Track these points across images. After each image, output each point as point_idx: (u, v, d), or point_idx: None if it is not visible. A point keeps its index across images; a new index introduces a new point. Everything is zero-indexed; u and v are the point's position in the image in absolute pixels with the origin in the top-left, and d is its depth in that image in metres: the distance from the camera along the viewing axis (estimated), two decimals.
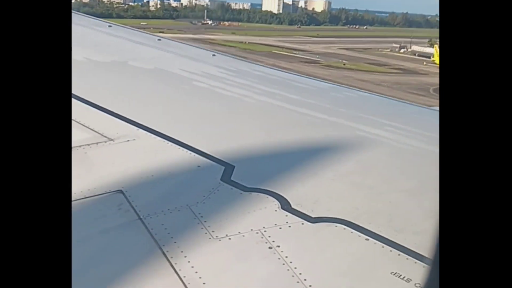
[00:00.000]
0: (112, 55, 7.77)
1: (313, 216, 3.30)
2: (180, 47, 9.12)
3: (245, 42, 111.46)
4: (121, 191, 3.48)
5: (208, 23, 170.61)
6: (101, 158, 4.05)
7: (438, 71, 1.30)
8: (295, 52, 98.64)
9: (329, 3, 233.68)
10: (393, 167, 4.32)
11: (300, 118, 5.47)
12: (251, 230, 3.12)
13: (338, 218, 3.27)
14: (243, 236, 3.08)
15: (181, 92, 6.25)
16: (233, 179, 3.71)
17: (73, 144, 4.11)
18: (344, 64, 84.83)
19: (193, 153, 4.12)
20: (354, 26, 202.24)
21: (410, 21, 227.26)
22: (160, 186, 3.67)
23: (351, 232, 3.14)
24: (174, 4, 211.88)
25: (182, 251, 2.93)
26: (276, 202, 3.43)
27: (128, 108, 5.09)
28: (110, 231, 3.15)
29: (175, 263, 2.85)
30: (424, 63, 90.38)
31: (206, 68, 7.42)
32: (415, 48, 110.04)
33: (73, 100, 5.14)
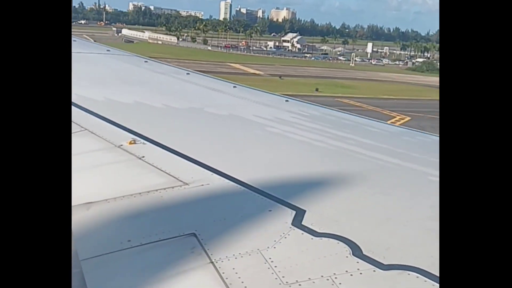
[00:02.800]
0: (189, 102, 8.09)
1: (385, 263, 3.22)
2: (253, 93, 9.35)
3: None
4: (194, 234, 3.57)
5: (81, 23, 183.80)
6: (176, 201, 4.19)
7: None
8: None
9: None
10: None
11: (372, 163, 5.42)
12: (322, 276, 3.10)
13: (411, 265, 3.18)
14: (314, 282, 3.06)
15: (255, 137, 6.38)
16: (304, 224, 3.71)
17: (150, 188, 4.29)
18: None
19: (264, 198, 4.17)
20: None
21: None
22: (232, 230, 3.73)
23: (425, 281, 3.04)
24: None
25: None
26: (347, 248, 3.39)
27: (203, 153, 5.25)
28: (183, 274, 3.23)
29: None
30: None
31: (278, 113, 7.55)
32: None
33: (152, 145, 5.39)
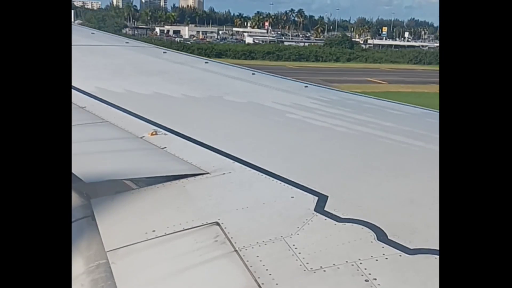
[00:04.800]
0: (208, 91, 8.09)
1: (411, 247, 3.19)
2: (272, 79, 9.32)
3: None
4: (217, 223, 3.58)
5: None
6: (199, 191, 4.21)
7: None
8: None
9: None
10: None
11: (394, 145, 5.36)
12: (346, 262, 3.08)
13: (437, 249, 3.14)
14: (338, 268, 3.04)
15: (275, 124, 6.36)
16: (327, 210, 3.70)
17: (172, 178, 4.31)
18: None
19: (286, 185, 4.16)
20: None
21: None
22: (255, 218, 3.74)
23: None
24: None
25: (277, 283, 2.95)
26: (372, 233, 3.36)
27: (224, 142, 5.26)
28: (208, 263, 3.25)
29: None
30: None
31: (298, 99, 7.51)
32: None
33: (173, 136, 5.41)
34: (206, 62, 10.55)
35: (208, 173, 4.42)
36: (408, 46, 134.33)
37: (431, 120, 6.83)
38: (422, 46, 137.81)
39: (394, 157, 5.04)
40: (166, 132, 5.50)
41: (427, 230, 3.46)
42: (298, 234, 3.41)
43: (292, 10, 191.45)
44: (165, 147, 5.08)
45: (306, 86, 8.55)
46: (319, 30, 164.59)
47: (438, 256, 3.06)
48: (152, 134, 5.43)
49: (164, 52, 11.64)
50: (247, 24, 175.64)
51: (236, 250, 3.28)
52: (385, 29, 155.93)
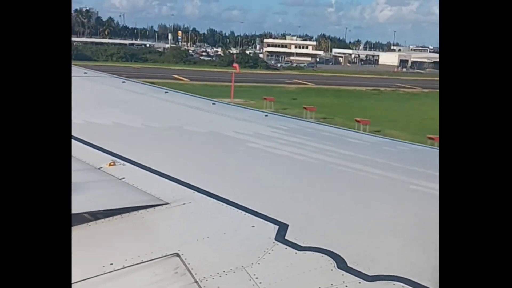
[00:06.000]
0: (168, 121, 8.06)
1: (370, 274, 3.22)
2: (233, 109, 9.36)
3: None
4: (177, 254, 3.53)
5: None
6: (158, 221, 4.15)
7: None
8: None
9: None
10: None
11: (353, 174, 5.43)
12: None
13: (396, 275, 3.18)
14: None
15: (236, 154, 6.36)
16: (287, 238, 3.70)
17: (131, 210, 4.23)
18: None
19: (247, 214, 4.15)
20: None
21: None
22: (216, 248, 3.70)
23: None
24: None
25: None
26: (332, 261, 3.38)
27: (184, 172, 5.22)
28: None
29: None
30: None
31: (258, 128, 7.56)
32: None
33: (132, 166, 5.34)
34: (166, 92, 10.53)
35: (167, 203, 4.37)
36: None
37: (389, 148, 6.97)
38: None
39: (353, 186, 5.10)
40: (125, 163, 5.43)
41: (386, 257, 3.50)
42: (259, 263, 3.40)
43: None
44: (123, 178, 5.00)
45: (266, 115, 8.63)
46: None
47: (396, 283, 3.10)
48: (110, 165, 5.34)
49: (123, 82, 11.57)
50: None
51: (196, 281, 3.23)
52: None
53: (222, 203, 4.38)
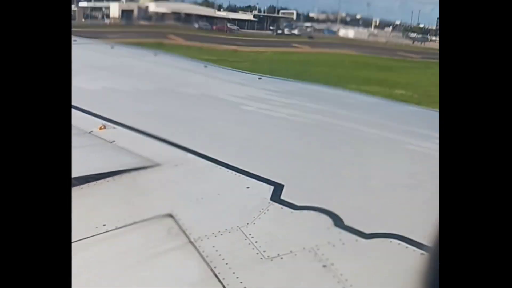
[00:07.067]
0: (159, 84, 7.93)
1: (366, 232, 3.18)
2: (225, 72, 9.24)
3: None
4: (170, 215, 3.47)
5: None
6: (150, 183, 4.07)
7: None
8: None
9: None
10: None
11: (349, 134, 5.37)
12: (304, 248, 3.04)
13: (393, 233, 3.15)
14: (296, 255, 3.00)
15: (229, 116, 6.27)
16: (283, 198, 3.64)
17: (122, 172, 4.16)
18: None
19: (242, 175, 4.08)
20: None
21: None
22: (210, 209, 3.65)
23: (406, 247, 3.01)
24: None
25: (234, 272, 2.88)
26: (328, 219, 3.34)
27: (176, 134, 5.13)
28: (162, 255, 3.13)
29: (228, 284, 2.79)
30: None
31: (252, 91, 7.46)
32: None
33: (122, 129, 5.24)
34: (155, 55, 10.36)
35: (159, 165, 4.29)
36: None
37: (385, 109, 6.91)
38: None
39: (349, 145, 5.04)
40: (115, 126, 5.33)
41: (382, 215, 3.47)
42: (254, 223, 3.35)
43: None
44: (114, 141, 4.91)
45: (259, 78, 8.51)
46: None
47: (392, 240, 3.07)
48: (100, 129, 5.25)
49: (112, 47, 11.37)
50: None
51: (191, 242, 3.18)
52: None
53: (215, 164, 4.31)
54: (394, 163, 4.55)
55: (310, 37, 69.64)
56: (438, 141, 1.64)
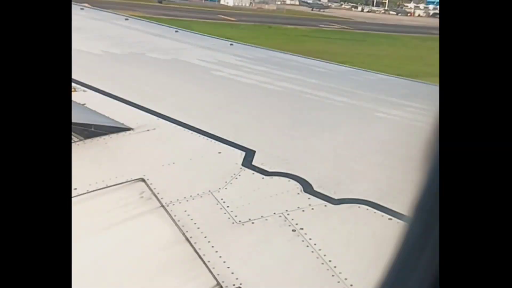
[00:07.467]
0: (129, 48, 7.80)
1: (335, 198, 3.26)
2: (196, 37, 9.13)
3: None
4: (142, 179, 3.48)
5: None
6: (122, 147, 4.06)
7: None
8: None
9: None
10: (415, 146, 4.26)
11: (319, 101, 5.42)
12: (274, 213, 3.10)
13: (361, 199, 3.23)
14: (266, 220, 3.06)
15: (200, 81, 6.23)
16: (254, 164, 3.69)
17: (94, 134, 4.12)
18: None
19: (213, 140, 4.10)
20: None
21: None
22: (182, 174, 3.67)
23: (374, 213, 3.10)
24: None
25: (205, 237, 2.93)
26: (298, 185, 3.40)
27: (147, 99, 5.09)
28: (134, 219, 3.16)
29: (199, 249, 2.84)
30: None
31: (223, 57, 7.41)
32: None
33: (93, 93, 5.17)
34: (126, 19, 10.15)
35: (131, 129, 4.27)
36: None
37: (355, 77, 6.97)
38: None
39: (319, 113, 5.10)
40: (86, 89, 5.25)
41: (351, 181, 3.54)
42: (226, 188, 3.39)
43: None
44: (84, 104, 4.84)
45: (231, 44, 8.44)
46: None
47: (361, 206, 3.16)
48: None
49: (81, 9, 11.07)
50: None
51: (163, 206, 3.21)
52: None
53: (187, 129, 4.31)
54: (363, 130, 4.63)
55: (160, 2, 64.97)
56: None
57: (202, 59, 7.19)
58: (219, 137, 4.14)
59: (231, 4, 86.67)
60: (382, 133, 4.46)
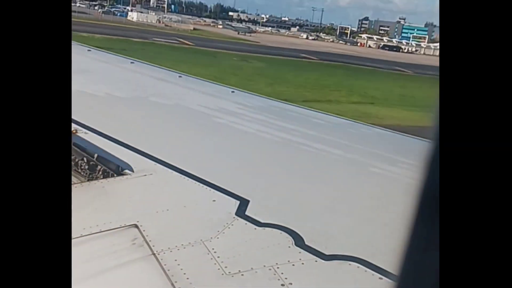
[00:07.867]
0: (133, 91, 7.94)
1: (326, 253, 3.27)
2: (199, 83, 9.29)
3: None
4: (136, 225, 3.51)
5: None
6: (118, 192, 4.10)
7: None
8: None
9: None
10: (409, 204, 4.29)
11: (316, 154, 5.49)
12: (264, 266, 3.11)
13: (352, 256, 3.24)
14: (256, 272, 3.06)
15: (200, 127, 6.32)
16: (248, 214, 3.72)
17: (91, 178, 4.18)
18: None
19: (209, 188, 4.14)
20: None
21: None
22: (175, 221, 3.70)
23: (365, 271, 3.10)
24: None
25: None
26: (290, 238, 3.41)
27: (146, 143, 5.16)
28: (124, 266, 3.17)
29: None
30: None
31: (224, 104, 7.53)
32: None
33: (94, 135, 5.24)
34: (132, 62, 10.36)
35: (129, 174, 4.32)
36: None
37: (352, 130, 7.06)
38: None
39: (314, 165, 5.15)
40: (87, 131, 5.33)
41: (343, 237, 3.56)
42: (218, 238, 3.41)
43: None
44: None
45: (232, 92, 8.59)
46: None
47: (351, 263, 3.16)
48: (72, 133, 5.23)
49: (88, 50, 11.31)
50: None
51: (154, 254, 3.22)
52: None
53: (184, 176, 4.36)
54: (357, 185, 4.67)
55: None
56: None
57: (204, 105, 7.30)
58: (214, 185, 4.18)
59: (135, 19, 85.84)
60: (377, 189, 4.50)
